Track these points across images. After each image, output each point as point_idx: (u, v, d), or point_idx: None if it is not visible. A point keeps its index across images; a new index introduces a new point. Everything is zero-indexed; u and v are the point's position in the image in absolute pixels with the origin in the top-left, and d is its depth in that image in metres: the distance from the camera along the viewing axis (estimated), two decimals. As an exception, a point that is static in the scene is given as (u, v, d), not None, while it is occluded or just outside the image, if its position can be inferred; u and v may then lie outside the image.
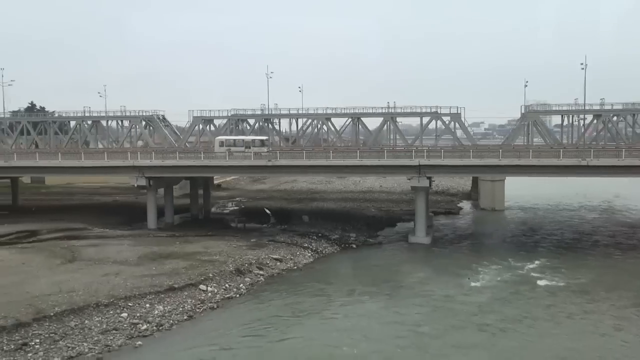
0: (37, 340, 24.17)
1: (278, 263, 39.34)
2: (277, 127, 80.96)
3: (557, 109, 77.28)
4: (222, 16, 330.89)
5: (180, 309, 29.21)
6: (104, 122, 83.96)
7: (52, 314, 26.12)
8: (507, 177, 64.66)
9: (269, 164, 47.24)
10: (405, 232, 54.41)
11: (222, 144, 56.41)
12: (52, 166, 51.12)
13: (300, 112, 76.36)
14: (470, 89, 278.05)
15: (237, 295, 32.43)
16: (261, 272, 36.86)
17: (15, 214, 57.60)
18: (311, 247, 44.66)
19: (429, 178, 46.48)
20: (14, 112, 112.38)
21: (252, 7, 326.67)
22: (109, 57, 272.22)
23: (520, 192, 72.83)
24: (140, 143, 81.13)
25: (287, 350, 25.43)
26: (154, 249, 39.87)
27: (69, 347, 24.11)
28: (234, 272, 35.49)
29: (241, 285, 34.03)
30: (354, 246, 46.65)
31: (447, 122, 75.13)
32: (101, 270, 33.90)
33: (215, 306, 30.44)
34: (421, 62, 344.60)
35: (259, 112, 77.26)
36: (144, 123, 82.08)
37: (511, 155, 45.64)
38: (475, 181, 75.00)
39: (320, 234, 48.60)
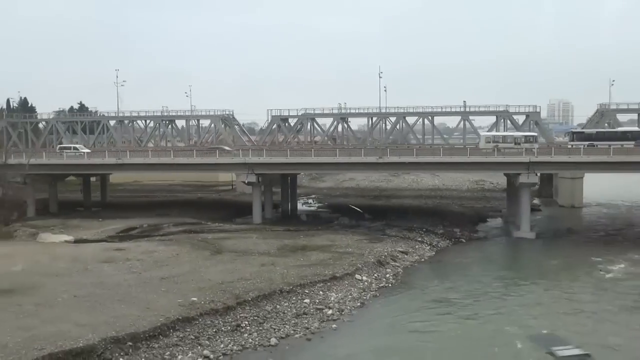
0: (246, 322, 25.98)
1: (405, 255, 40.89)
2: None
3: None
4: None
5: (350, 297, 30.83)
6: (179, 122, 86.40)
7: (249, 299, 27.89)
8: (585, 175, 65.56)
9: (380, 160, 48.81)
10: (498, 227, 55.92)
11: (489, 140, 56.59)
12: (165, 163, 53.19)
13: (374, 110, 77.68)
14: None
15: (389, 285, 33.98)
16: (396, 264, 38.43)
17: (110, 210, 59.86)
18: (425, 241, 46.09)
19: (537, 174, 47.72)
20: (57, 112, 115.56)
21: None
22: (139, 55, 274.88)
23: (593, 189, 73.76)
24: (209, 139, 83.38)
25: (468, 332, 26.69)
26: (285, 242, 41.59)
27: (273, 329, 25.81)
28: (375, 263, 37.09)
29: (387, 275, 35.62)
30: (463, 240, 48.04)
31: (517, 121, 76.35)
32: (254, 260, 35.65)
33: (376, 294, 32.05)
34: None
35: (336, 111, 78.84)
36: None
37: (621, 152, 46.72)
38: (547, 178, 75.86)
39: (424, 229, 50.03)
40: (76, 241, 41.30)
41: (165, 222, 50.39)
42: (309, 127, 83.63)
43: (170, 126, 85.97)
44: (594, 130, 62.19)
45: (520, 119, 78.46)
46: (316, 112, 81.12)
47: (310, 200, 72.42)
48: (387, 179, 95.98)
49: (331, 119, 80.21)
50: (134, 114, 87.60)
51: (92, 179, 68.67)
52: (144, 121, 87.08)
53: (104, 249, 38.41)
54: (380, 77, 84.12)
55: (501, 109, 76.41)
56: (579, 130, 66.53)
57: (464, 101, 79.26)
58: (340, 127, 78.99)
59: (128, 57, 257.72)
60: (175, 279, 30.55)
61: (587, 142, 55.06)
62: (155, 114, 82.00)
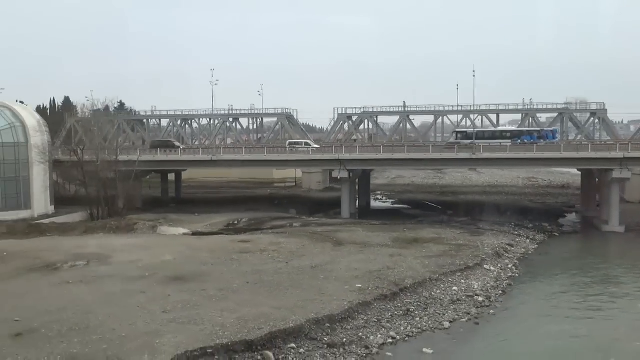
0: (413, 307, 27.44)
1: (512, 248, 42.16)
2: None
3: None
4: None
5: (489, 285, 32.18)
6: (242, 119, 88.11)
7: (407, 286, 29.35)
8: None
9: (474, 156, 50.11)
10: (580, 222, 57.09)
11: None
12: (258, 159, 54.76)
13: (452, 108, 78.35)
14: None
15: (516, 275, 35.29)
16: (509, 255, 39.72)
17: (187, 205, 61.60)
18: (521, 234, 47.35)
19: (630, 170, 48.75)
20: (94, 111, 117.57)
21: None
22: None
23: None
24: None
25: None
26: (393, 235, 42.90)
27: (438, 314, 27.25)
28: (494, 255, 38.40)
29: (509, 265, 36.96)
30: (556, 234, 49.27)
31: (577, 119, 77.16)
32: (380, 251, 36.99)
33: (510, 283, 33.36)
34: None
35: (396, 109, 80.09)
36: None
37: None
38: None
39: (513, 224, 51.27)
40: (194, 234, 42.99)
41: (261, 216, 52.00)
42: (369, 124, 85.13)
43: (235, 124, 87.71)
44: (474, 130, 65.65)
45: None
46: (378, 109, 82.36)
47: (378, 197, 73.82)
48: (436, 176, 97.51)
49: (391, 117, 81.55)
50: (193, 112, 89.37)
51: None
52: (208, 118, 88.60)
53: (229, 240, 40.03)
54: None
55: (561, 106, 77.45)
56: (461, 130, 70.11)
57: (530, 99, 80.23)
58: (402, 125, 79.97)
59: (133, 54, 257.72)
60: (324, 268, 32.01)
61: (469, 141, 58.30)
62: (222, 112, 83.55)
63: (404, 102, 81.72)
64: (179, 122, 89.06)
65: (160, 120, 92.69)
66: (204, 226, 46.77)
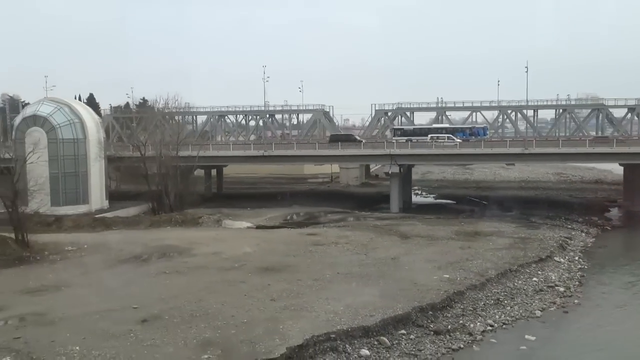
0: (501, 297, 28.18)
1: (571, 241, 42.73)
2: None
3: None
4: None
5: (564, 277, 32.86)
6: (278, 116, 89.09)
7: (492, 276, 30.10)
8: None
9: (525, 152, 50.80)
10: (626, 216, 57.51)
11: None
12: (310, 155, 55.70)
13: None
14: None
15: (586, 266, 35.92)
16: (572, 248, 40.38)
17: (230, 200, 62.11)
18: (574, 228, 47.96)
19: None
20: (116, 107, 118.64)
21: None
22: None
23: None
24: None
25: None
26: (453, 228, 43.63)
27: (525, 303, 27.84)
28: (559, 247, 39.06)
29: (575, 257, 37.62)
30: (609, 228, 49.79)
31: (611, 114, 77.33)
32: (448, 244, 37.66)
33: (583, 274, 33.99)
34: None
35: (433, 105, 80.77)
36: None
37: None
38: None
39: (564, 217, 51.82)
40: (257, 227, 43.91)
41: (313, 210, 52.79)
42: (402, 120, 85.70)
43: (270, 120, 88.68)
44: (411, 127, 70.74)
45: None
46: (413, 105, 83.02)
47: (418, 192, 74.47)
48: (465, 172, 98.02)
49: (425, 113, 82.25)
50: (231, 109, 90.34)
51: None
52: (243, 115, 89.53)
53: (297, 234, 40.95)
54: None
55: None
56: (399, 127, 75.69)
57: (568, 95, 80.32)
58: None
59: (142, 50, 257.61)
60: (403, 259, 32.83)
61: (406, 138, 63.11)
62: (259, 109, 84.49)
63: (441, 98, 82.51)
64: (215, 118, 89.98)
65: (195, 116, 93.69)
66: (263, 220, 47.62)
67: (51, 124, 50.76)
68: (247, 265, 30.76)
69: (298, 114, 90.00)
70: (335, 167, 79.71)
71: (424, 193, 74.13)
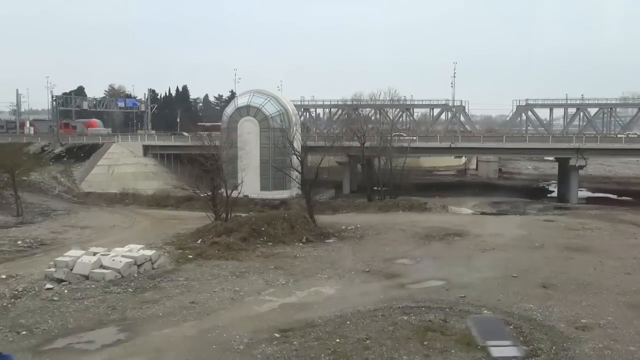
0: None
1: None
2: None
3: None
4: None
5: None
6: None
7: None
8: None
9: None
10: None
11: None
12: (495, 147, 58.50)
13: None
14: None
15: None
16: None
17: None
18: None
19: None
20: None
21: None
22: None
23: None
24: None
25: None
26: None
27: None
28: None
29: None
30: None
31: None
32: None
33: None
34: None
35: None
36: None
37: None
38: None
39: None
40: (482, 213, 46.75)
41: (507, 200, 55.54)
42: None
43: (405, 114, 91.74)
44: None
45: None
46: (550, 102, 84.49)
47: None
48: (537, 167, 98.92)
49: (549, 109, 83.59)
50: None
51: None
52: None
53: (534, 219, 43.43)
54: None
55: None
56: None
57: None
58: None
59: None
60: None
61: None
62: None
63: (566, 94, 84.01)
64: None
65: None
66: (471, 207, 50.43)
67: (264, 114, 54.57)
68: (545, 245, 33.12)
69: (432, 109, 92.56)
70: (453, 160, 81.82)
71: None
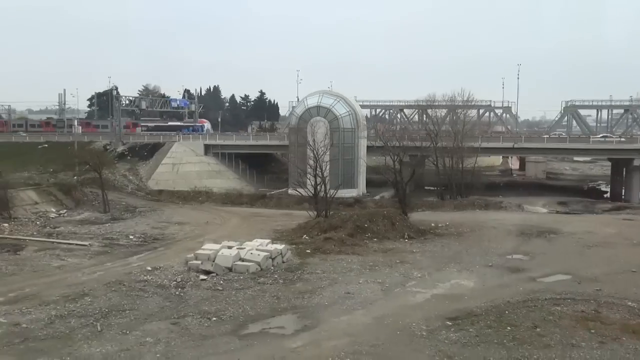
0: None
1: None
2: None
3: None
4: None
5: None
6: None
7: None
8: None
9: None
10: None
11: None
12: (558, 147, 59.56)
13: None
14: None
15: None
16: None
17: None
18: None
19: None
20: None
21: None
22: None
23: None
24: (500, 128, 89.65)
25: None
26: None
27: None
28: None
29: None
30: None
31: None
32: None
33: None
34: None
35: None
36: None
37: None
38: None
39: None
40: (556, 212, 47.92)
41: (573, 199, 56.61)
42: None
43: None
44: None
45: None
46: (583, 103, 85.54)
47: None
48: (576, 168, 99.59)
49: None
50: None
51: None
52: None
53: (613, 218, 44.54)
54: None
55: None
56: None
57: None
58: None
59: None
60: None
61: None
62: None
63: (610, 95, 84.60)
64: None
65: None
66: (543, 205, 51.62)
67: (334, 114, 55.96)
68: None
69: (478, 110, 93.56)
70: (492, 160, 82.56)
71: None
